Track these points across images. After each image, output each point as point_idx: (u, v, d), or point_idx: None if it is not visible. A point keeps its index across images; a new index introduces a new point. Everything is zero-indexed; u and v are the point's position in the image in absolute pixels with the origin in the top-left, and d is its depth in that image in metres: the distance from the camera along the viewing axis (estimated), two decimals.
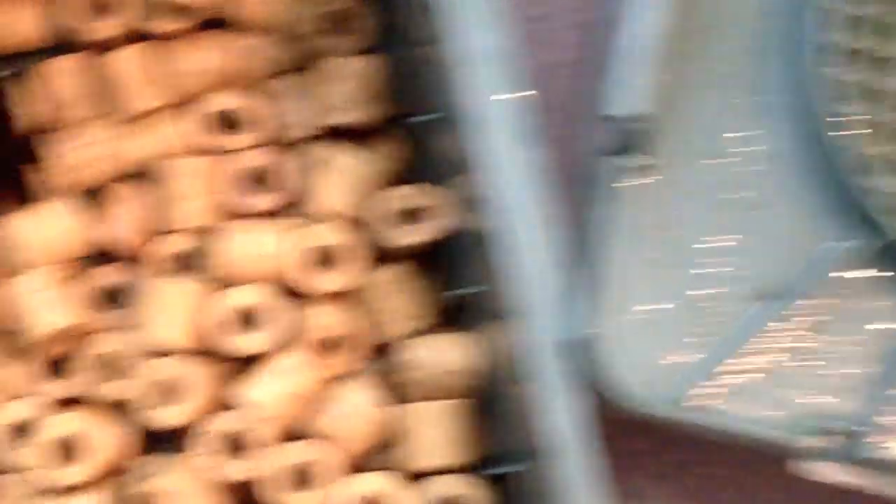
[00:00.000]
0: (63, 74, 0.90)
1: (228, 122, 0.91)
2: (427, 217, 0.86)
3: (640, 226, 0.78)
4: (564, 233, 0.77)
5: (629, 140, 0.76)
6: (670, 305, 0.78)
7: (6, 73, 0.86)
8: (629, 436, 0.91)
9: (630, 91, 0.75)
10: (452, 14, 0.78)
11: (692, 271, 0.78)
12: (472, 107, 0.77)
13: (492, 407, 0.84)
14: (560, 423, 0.73)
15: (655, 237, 0.78)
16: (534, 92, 0.77)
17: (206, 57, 0.90)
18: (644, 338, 0.77)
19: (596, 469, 0.72)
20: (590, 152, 0.81)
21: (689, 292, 0.78)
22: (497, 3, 0.77)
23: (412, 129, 0.89)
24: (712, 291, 0.78)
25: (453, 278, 0.88)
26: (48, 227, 0.85)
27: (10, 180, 0.84)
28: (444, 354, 0.85)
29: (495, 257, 0.78)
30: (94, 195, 0.89)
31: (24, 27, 0.89)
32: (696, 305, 0.78)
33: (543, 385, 0.74)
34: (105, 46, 0.90)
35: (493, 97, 0.76)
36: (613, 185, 0.78)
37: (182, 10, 0.89)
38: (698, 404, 0.76)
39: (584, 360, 0.75)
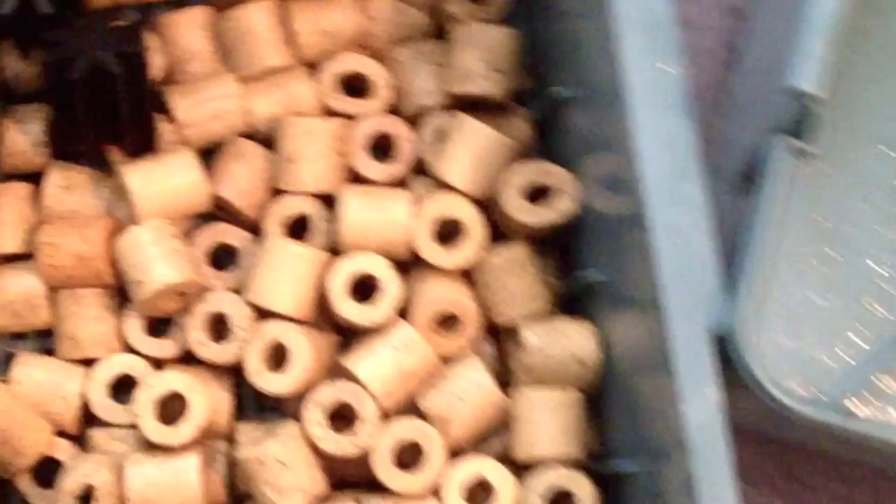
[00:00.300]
0: (192, 25, 0.87)
1: (356, 86, 0.88)
2: (555, 197, 0.82)
3: (805, 214, 0.73)
4: (717, 218, 0.72)
5: (805, 119, 0.72)
6: (833, 302, 0.73)
7: (138, 20, 0.84)
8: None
9: (813, 65, 0.70)
10: None
11: (860, 267, 0.74)
12: (623, 81, 0.73)
13: (613, 399, 0.81)
14: (702, 418, 0.69)
15: (822, 227, 0.73)
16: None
17: (341, 17, 0.87)
18: (801, 335, 0.72)
19: (732, 469, 0.68)
20: (748, 135, 0.76)
21: (855, 289, 0.73)
22: None
23: (546, 103, 0.86)
24: (882, 289, 0.73)
25: (577, 262, 0.84)
26: (172, 178, 0.83)
27: (137, 128, 0.82)
28: (564, 340, 0.81)
29: (635, 242, 0.74)
30: (217, 150, 0.87)
31: None
32: (861, 304, 0.73)
33: (684, 378, 0.70)
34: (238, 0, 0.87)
35: (648, 71, 0.72)
36: (780, 168, 0.72)
37: None
38: (855, 409, 0.71)
39: (734, 354, 0.71)
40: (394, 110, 0.88)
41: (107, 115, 0.80)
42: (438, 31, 0.89)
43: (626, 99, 0.73)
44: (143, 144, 0.83)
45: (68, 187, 0.85)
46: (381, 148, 0.87)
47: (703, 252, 0.72)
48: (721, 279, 0.72)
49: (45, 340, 0.86)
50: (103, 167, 0.86)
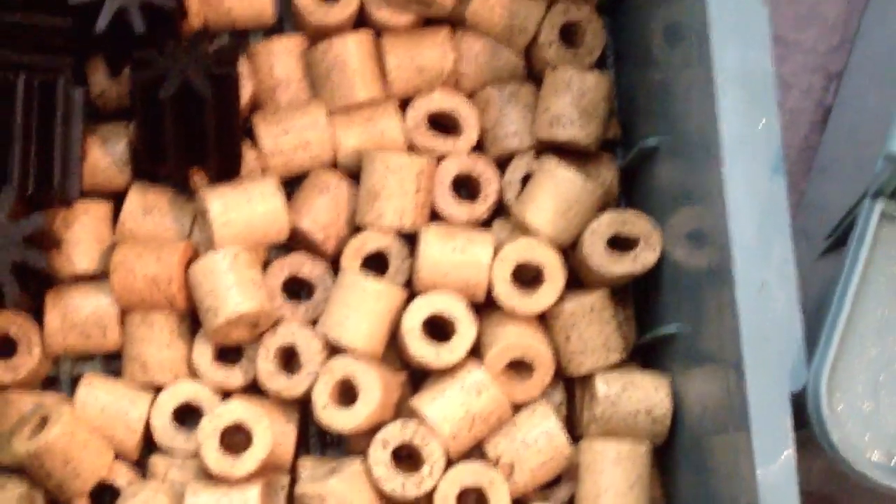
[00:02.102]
0: (285, 54, 0.87)
1: (444, 124, 0.87)
2: (637, 247, 0.81)
3: (891, 279, 0.72)
4: (802, 277, 0.71)
5: None
6: None
7: (232, 45, 0.84)
8: None
9: None
10: (704, 35, 0.72)
11: None
12: (718, 134, 0.71)
13: (682, 454, 0.79)
14: (776, 480, 0.67)
15: None
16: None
17: (433, 54, 0.86)
18: (879, 399, 0.70)
19: None
20: (836, 197, 0.75)
21: None
22: (760, 27, 0.72)
23: (633, 151, 0.84)
24: None
25: (653, 313, 0.83)
26: (253, 206, 0.82)
27: (222, 152, 0.81)
28: (636, 392, 0.79)
29: (717, 297, 0.72)
30: (299, 180, 0.86)
31: (260, 4, 0.87)
32: None
33: (762, 439, 0.68)
34: (331, 31, 0.87)
35: (745, 127, 0.71)
36: (872, 232, 0.71)
37: (421, 4, 0.85)
38: None
39: (811, 416, 0.69)
40: (480, 150, 0.86)
41: (193, 137, 0.80)
42: (530, 73, 0.88)
43: (721, 153, 0.71)
44: (226, 170, 0.83)
45: (148, 209, 0.85)
46: (465, 187, 0.86)
47: (787, 312, 0.70)
48: (803, 340, 0.70)
49: (111, 362, 0.86)
50: (184, 190, 0.85)
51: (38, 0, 0.81)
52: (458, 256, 0.81)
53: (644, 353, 0.83)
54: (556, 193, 0.81)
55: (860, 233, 0.72)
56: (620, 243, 0.81)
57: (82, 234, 0.84)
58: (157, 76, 0.77)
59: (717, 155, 0.72)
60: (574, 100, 0.83)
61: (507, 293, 0.81)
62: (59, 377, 0.86)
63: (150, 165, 0.83)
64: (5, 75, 0.80)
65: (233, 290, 0.80)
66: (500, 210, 0.86)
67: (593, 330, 0.81)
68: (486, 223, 0.85)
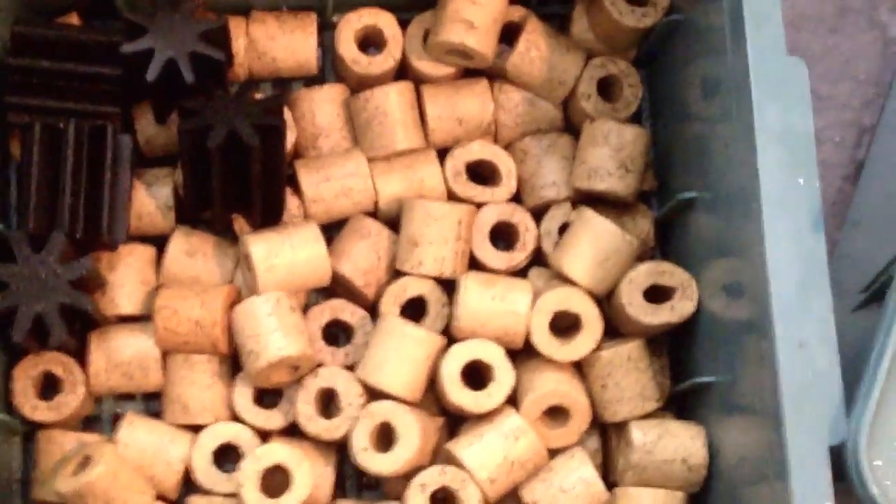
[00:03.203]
0: (327, 102, 0.89)
1: (482, 173, 0.89)
2: (674, 297, 0.82)
3: None
4: (840, 331, 0.72)
5: None
6: None
7: (277, 94, 0.85)
8: None
9: None
10: (744, 91, 0.74)
11: None
12: (758, 190, 0.73)
13: None
14: None
15: None
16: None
17: (473, 105, 0.88)
18: None
19: None
20: (872, 251, 0.76)
21: None
22: (800, 85, 0.73)
23: (669, 203, 0.86)
24: None
25: (689, 362, 0.84)
26: (296, 252, 0.83)
27: (266, 199, 0.83)
28: (672, 441, 0.81)
29: (754, 349, 0.74)
30: (338, 224, 0.88)
31: (304, 54, 0.89)
32: None
33: (800, 492, 0.69)
34: (373, 81, 0.88)
35: (785, 183, 0.72)
36: None
37: (462, 56, 0.87)
38: None
39: (849, 470, 0.70)
40: (518, 200, 0.88)
41: (238, 184, 0.81)
42: (568, 125, 0.90)
43: (760, 208, 0.73)
44: (269, 215, 0.84)
45: (191, 253, 0.86)
46: (503, 236, 0.87)
47: (826, 366, 0.71)
48: (842, 394, 0.71)
49: (151, 401, 0.87)
50: (227, 235, 0.87)
51: (88, 49, 0.82)
52: (497, 304, 0.82)
53: (679, 402, 0.85)
54: (593, 244, 0.82)
55: (894, 287, 0.73)
56: (657, 293, 0.82)
57: (127, 277, 0.86)
58: (205, 125, 0.79)
59: (756, 211, 0.73)
60: (612, 152, 0.85)
61: (545, 341, 0.82)
62: (100, 416, 0.87)
63: (194, 211, 0.85)
64: (56, 122, 0.82)
65: (275, 334, 0.82)
66: (537, 259, 0.87)
67: (630, 378, 0.82)
68: (523, 271, 0.87)
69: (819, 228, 0.72)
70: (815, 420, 0.71)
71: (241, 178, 0.81)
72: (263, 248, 0.83)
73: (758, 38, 0.74)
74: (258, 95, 0.87)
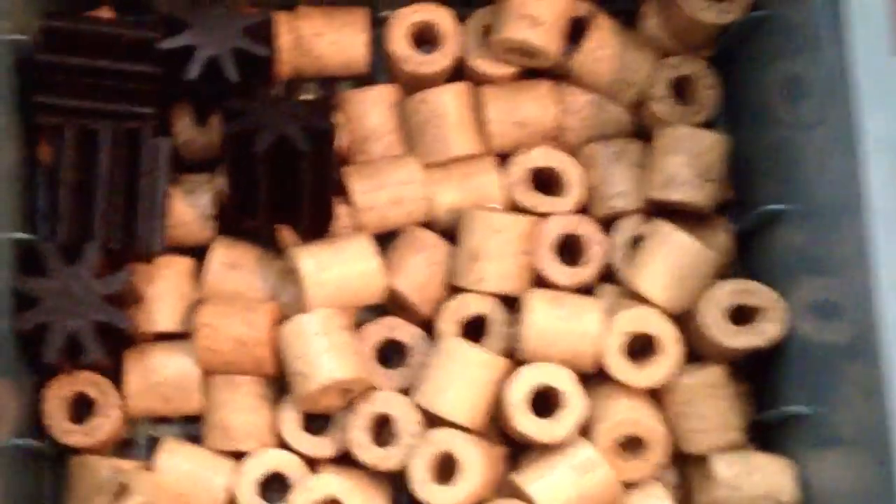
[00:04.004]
0: (378, 104, 0.82)
1: (547, 181, 0.82)
2: (760, 319, 0.76)
3: None
4: None
5: None
6: None
7: (328, 95, 0.79)
8: None
9: None
10: (841, 94, 0.68)
11: None
12: (864, 203, 0.66)
13: None
14: None
15: None
16: None
17: (536, 108, 0.82)
18: None
19: None
20: None
21: None
22: None
23: (751, 215, 0.79)
24: None
25: (776, 390, 0.77)
26: (347, 266, 0.77)
27: (316, 209, 0.76)
28: (757, 476, 0.74)
29: (855, 376, 0.67)
30: (392, 237, 0.81)
31: (353, 52, 0.82)
32: None
33: None
34: (428, 81, 0.82)
35: (894, 192, 0.66)
36: None
37: (524, 55, 0.80)
38: None
39: None
40: (585, 210, 0.82)
41: (287, 193, 0.75)
42: (639, 130, 0.83)
43: (865, 222, 0.66)
44: (318, 226, 0.78)
45: (233, 265, 0.80)
46: (569, 250, 0.81)
47: None
48: None
49: (189, 425, 0.81)
50: (271, 246, 0.81)
51: (123, 45, 0.76)
52: (566, 325, 0.76)
53: (761, 432, 0.78)
54: (671, 260, 0.76)
55: None
56: (741, 314, 0.76)
57: (164, 291, 0.80)
58: (252, 129, 0.73)
59: (859, 224, 0.66)
60: (690, 160, 0.78)
61: (619, 366, 0.76)
62: (135, 438, 0.81)
63: (238, 220, 0.79)
64: (89, 124, 0.75)
65: (325, 355, 0.75)
66: (605, 274, 0.81)
67: (711, 406, 0.76)
68: (589, 288, 0.80)
69: None
70: None
71: (289, 186, 0.75)
72: (313, 261, 0.77)
73: (861, 37, 0.68)
74: (305, 96, 0.81)
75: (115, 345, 0.78)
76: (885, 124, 0.67)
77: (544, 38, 0.79)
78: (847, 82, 0.68)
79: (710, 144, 0.79)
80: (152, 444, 0.80)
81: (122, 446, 0.81)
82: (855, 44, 0.68)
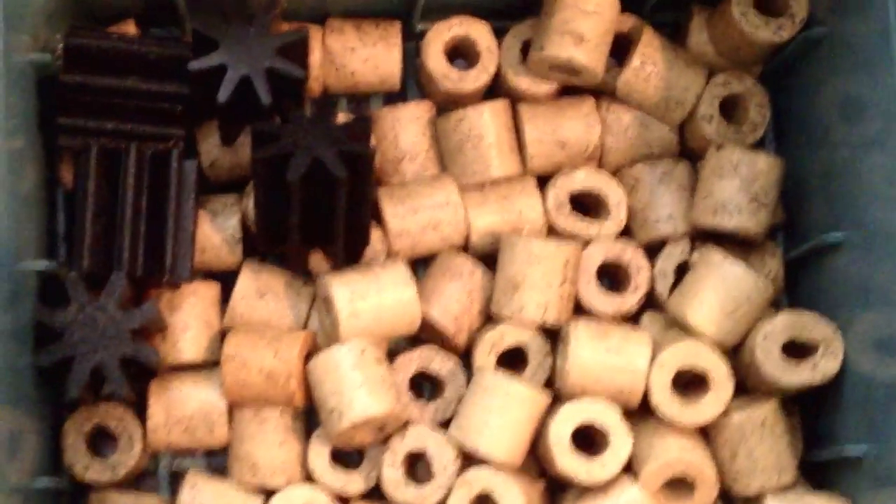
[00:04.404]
0: (412, 122, 0.79)
1: (588, 205, 0.79)
2: (816, 354, 0.72)
3: None
4: None
5: None
6: None
7: (365, 117, 0.75)
8: None
9: None
10: None
11: None
12: None
13: None
14: None
15: None
16: None
17: (577, 127, 0.78)
18: None
19: None
20: None
21: None
22: None
23: (805, 243, 0.76)
24: None
25: (831, 429, 0.74)
26: (382, 295, 0.73)
27: (350, 235, 0.73)
28: None
29: None
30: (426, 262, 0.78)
31: (387, 67, 0.79)
32: None
33: None
34: (464, 99, 0.78)
35: None
36: None
37: (568, 72, 0.77)
38: None
39: None
40: (627, 235, 0.78)
41: (321, 218, 0.71)
42: (683, 150, 0.80)
43: None
44: (353, 253, 0.74)
45: (261, 292, 0.76)
46: (611, 276, 0.78)
47: None
48: None
49: (213, 458, 0.78)
50: (301, 273, 0.77)
51: (150, 63, 0.73)
52: (613, 359, 0.72)
53: (815, 473, 0.74)
54: (722, 290, 0.72)
55: None
56: (794, 348, 0.72)
57: (190, 319, 0.76)
58: (284, 153, 0.69)
59: None
60: (743, 185, 0.75)
61: (667, 402, 0.72)
62: (156, 471, 0.78)
63: (268, 246, 0.75)
64: (115, 146, 0.72)
65: (360, 390, 0.72)
66: (649, 301, 0.77)
67: (764, 446, 0.72)
68: (634, 316, 0.77)
69: None
70: None
71: (322, 211, 0.71)
72: (347, 290, 0.73)
73: None
74: (340, 115, 0.77)
75: (140, 377, 0.74)
76: None
77: (590, 56, 0.76)
78: None
79: (764, 168, 0.75)
80: (174, 477, 0.77)
81: (142, 477, 0.78)
82: None
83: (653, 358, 0.73)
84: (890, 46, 0.67)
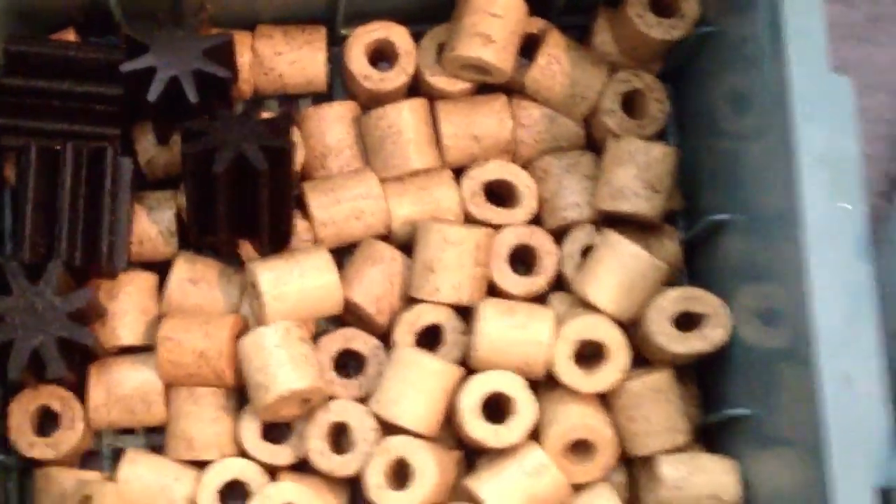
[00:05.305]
0: (336, 121, 0.84)
1: (500, 194, 0.85)
2: (705, 325, 0.78)
3: None
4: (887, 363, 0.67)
5: None
6: None
7: (286, 113, 0.81)
8: None
9: None
10: (783, 107, 0.70)
11: None
12: (801, 214, 0.68)
13: None
14: None
15: None
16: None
17: (490, 123, 0.84)
18: None
19: None
20: None
21: None
22: (844, 103, 0.69)
23: (698, 224, 0.82)
24: None
25: (720, 393, 0.80)
26: (305, 280, 0.79)
27: (274, 224, 0.78)
28: (703, 476, 0.76)
29: (793, 380, 0.70)
30: (348, 250, 0.84)
31: (313, 70, 0.85)
32: None
33: None
34: (385, 98, 0.84)
35: (830, 208, 0.68)
36: None
37: (479, 71, 0.82)
38: None
39: None
40: (537, 222, 0.84)
41: (246, 209, 0.77)
42: (589, 142, 0.85)
43: (804, 235, 0.68)
44: (277, 241, 0.80)
45: (195, 280, 0.82)
46: (522, 260, 0.83)
47: (872, 402, 0.67)
48: (891, 433, 0.67)
49: (152, 436, 0.83)
50: (232, 261, 0.83)
51: (86, 67, 0.78)
52: (518, 333, 0.78)
53: (709, 434, 0.80)
54: (620, 270, 0.78)
55: None
56: (687, 320, 0.78)
57: (127, 306, 0.82)
58: (210, 148, 0.75)
59: (799, 236, 0.69)
60: (639, 172, 0.80)
61: (569, 372, 0.78)
62: (99, 450, 0.83)
63: (199, 237, 0.81)
64: (53, 145, 0.77)
65: (284, 366, 0.77)
66: (558, 283, 0.83)
67: (658, 410, 0.78)
68: (543, 297, 0.83)
69: (866, 256, 0.68)
70: (861, 459, 0.66)
71: (248, 203, 0.77)
72: (271, 276, 0.79)
73: (799, 53, 0.70)
74: (265, 114, 0.83)
75: (79, 360, 0.80)
76: (821, 138, 0.69)
77: (498, 55, 0.82)
78: (785, 97, 0.70)
79: (658, 156, 0.81)
80: (116, 455, 0.82)
81: (87, 458, 0.83)
82: (793, 60, 0.70)
83: (557, 332, 0.78)
84: (767, 45, 0.72)
